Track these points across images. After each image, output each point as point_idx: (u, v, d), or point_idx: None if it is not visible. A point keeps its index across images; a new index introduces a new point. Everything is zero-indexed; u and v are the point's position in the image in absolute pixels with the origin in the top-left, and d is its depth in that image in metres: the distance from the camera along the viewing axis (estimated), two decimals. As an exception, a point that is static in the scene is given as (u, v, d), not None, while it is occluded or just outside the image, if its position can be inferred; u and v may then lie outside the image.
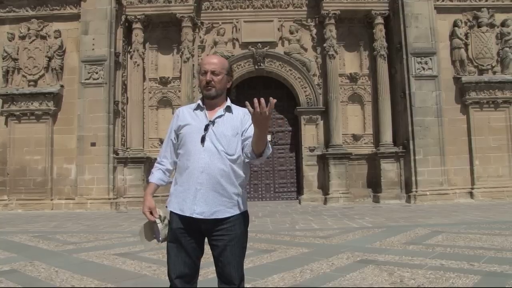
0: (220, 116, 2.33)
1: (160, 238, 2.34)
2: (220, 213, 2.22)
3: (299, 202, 13.83)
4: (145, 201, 2.38)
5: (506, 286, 3.69)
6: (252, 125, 2.14)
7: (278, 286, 3.89)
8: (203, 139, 2.24)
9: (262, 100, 1.99)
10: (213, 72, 2.34)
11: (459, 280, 3.85)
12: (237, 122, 2.34)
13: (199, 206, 2.20)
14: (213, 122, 2.30)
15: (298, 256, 5.22)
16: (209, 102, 2.38)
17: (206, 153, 2.22)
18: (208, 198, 2.21)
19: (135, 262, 5.03)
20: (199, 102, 2.41)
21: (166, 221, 2.35)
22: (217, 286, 2.28)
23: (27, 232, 7.98)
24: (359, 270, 4.35)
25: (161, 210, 2.38)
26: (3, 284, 4.12)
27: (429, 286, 3.72)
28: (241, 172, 2.31)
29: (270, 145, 2.27)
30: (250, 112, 2.05)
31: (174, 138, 2.40)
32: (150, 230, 2.39)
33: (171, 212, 2.31)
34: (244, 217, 2.33)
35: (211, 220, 2.21)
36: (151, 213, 2.34)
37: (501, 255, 4.92)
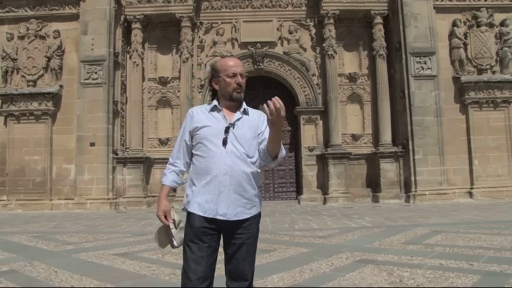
0: (239, 119, 2.35)
1: (175, 243, 2.33)
2: (241, 215, 2.26)
3: (299, 202, 13.83)
4: (159, 204, 2.35)
5: (505, 286, 3.69)
6: (268, 126, 2.23)
7: (278, 286, 3.89)
8: (225, 142, 2.25)
9: (277, 98, 2.08)
10: (241, 75, 2.36)
11: (459, 280, 3.85)
12: (254, 124, 2.37)
13: (222, 208, 2.23)
14: (233, 125, 2.31)
15: (297, 256, 5.22)
16: (227, 104, 2.38)
17: (229, 156, 2.23)
18: (231, 200, 2.24)
19: (135, 262, 5.02)
20: (215, 103, 2.39)
21: (182, 224, 2.34)
22: (225, 286, 2.29)
23: (27, 232, 7.97)
24: (359, 270, 4.35)
25: (176, 214, 2.37)
26: (2, 285, 4.12)
27: (429, 286, 3.72)
28: (259, 174, 2.35)
29: (283, 147, 2.33)
30: (266, 113, 2.11)
31: (189, 139, 2.38)
32: (165, 235, 2.37)
33: (190, 213, 2.29)
34: (259, 217, 2.39)
35: (233, 221, 2.25)
36: (165, 217, 2.34)
37: (500, 255, 4.92)
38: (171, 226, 2.32)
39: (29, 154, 13.22)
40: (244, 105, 2.42)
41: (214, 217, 2.22)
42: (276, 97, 2.10)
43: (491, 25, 13.96)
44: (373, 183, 13.93)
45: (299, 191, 14.57)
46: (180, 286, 2.25)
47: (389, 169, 13.51)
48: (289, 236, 6.94)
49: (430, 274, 4.10)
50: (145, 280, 4.22)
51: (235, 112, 2.38)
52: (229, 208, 2.23)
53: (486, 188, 13.11)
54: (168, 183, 2.40)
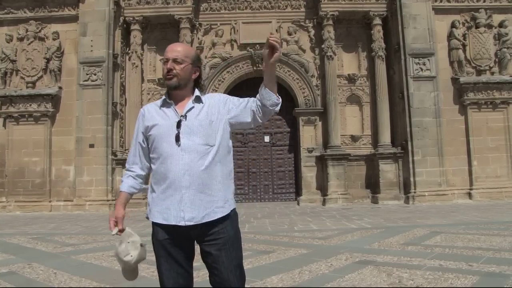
0: (191, 109, 2.14)
1: (124, 257, 2.09)
2: (211, 215, 2.04)
3: (298, 203, 13.83)
4: (115, 210, 2.19)
5: (505, 286, 3.69)
6: (238, 99, 2.21)
7: (277, 287, 3.89)
8: (177, 138, 2.04)
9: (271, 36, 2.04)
10: (175, 60, 2.15)
11: (458, 281, 3.85)
12: (215, 108, 2.17)
13: (188, 212, 2.01)
14: (185, 117, 2.10)
15: (297, 257, 5.22)
16: (175, 95, 2.19)
17: (185, 152, 2.03)
18: (195, 201, 2.02)
19: (134, 264, 5.01)
20: (165, 97, 2.21)
21: (135, 242, 2.10)
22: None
23: (26, 234, 7.96)
24: (358, 271, 4.35)
25: (133, 230, 2.15)
26: (1, 286, 4.12)
27: (428, 287, 3.72)
28: (223, 163, 2.13)
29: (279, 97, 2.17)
30: (275, 46, 2.03)
31: (143, 141, 2.19)
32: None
33: (154, 223, 2.11)
34: (234, 215, 2.16)
35: (201, 224, 2.03)
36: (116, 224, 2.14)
37: (500, 256, 4.92)
38: (114, 231, 2.11)
39: (28, 155, 13.21)
40: (197, 92, 2.21)
41: (178, 223, 2.00)
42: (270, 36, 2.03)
43: (489, 26, 13.98)
44: (372, 184, 13.93)
45: (298, 192, 14.57)
46: None
47: (388, 170, 13.51)
48: (289, 237, 6.95)
49: (429, 275, 4.10)
50: (144, 281, 4.22)
51: (187, 102, 2.18)
52: (195, 210, 2.01)
53: (485, 189, 13.11)
54: (124, 189, 2.21)
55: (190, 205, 2.02)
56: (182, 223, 2.01)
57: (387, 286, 3.79)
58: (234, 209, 2.18)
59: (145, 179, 2.27)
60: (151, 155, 2.17)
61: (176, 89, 2.18)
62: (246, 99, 2.24)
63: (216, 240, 2.06)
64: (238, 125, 2.24)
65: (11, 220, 10.88)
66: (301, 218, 9.81)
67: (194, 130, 2.07)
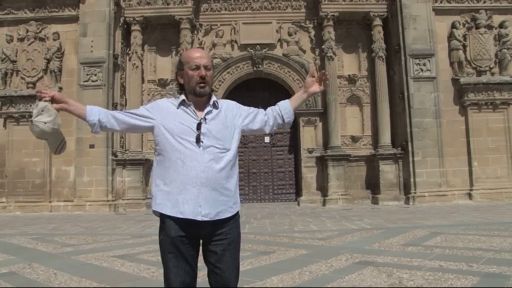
0: (209, 112, 2.21)
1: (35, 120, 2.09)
2: (223, 213, 2.13)
3: (298, 204, 13.83)
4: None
5: (505, 287, 3.69)
6: (248, 108, 2.35)
7: (277, 287, 3.90)
8: (198, 139, 2.11)
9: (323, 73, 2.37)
10: (205, 67, 2.19)
11: (458, 281, 3.85)
12: (229, 115, 2.26)
13: (204, 207, 2.08)
14: (204, 119, 2.17)
15: (297, 258, 5.22)
16: (196, 99, 2.22)
17: (205, 153, 2.10)
18: (210, 198, 2.09)
19: (134, 264, 5.02)
20: (183, 97, 2.23)
21: (52, 114, 2.13)
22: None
23: (26, 234, 7.96)
24: (358, 272, 4.35)
25: (49, 105, 2.15)
26: (1, 286, 4.12)
27: (428, 287, 3.72)
28: (236, 167, 2.24)
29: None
30: (322, 79, 2.38)
31: (141, 117, 2.24)
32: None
33: (165, 217, 2.13)
34: (238, 217, 2.25)
35: (214, 221, 2.10)
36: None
37: (500, 256, 4.92)
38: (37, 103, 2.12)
39: (28, 156, 13.21)
40: (214, 97, 2.27)
41: (195, 218, 2.06)
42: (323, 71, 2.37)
43: (490, 27, 14.00)
44: (373, 185, 13.93)
45: (298, 193, 14.57)
46: None
47: (388, 171, 13.51)
48: (289, 238, 6.94)
49: (429, 275, 4.09)
50: (144, 282, 4.22)
51: (204, 106, 2.22)
52: (211, 207, 2.09)
53: (485, 189, 13.11)
54: (89, 107, 2.22)
55: (206, 201, 2.08)
56: (198, 218, 2.07)
57: (387, 287, 3.79)
58: (238, 211, 2.25)
59: (99, 125, 2.24)
60: (162, 150, 2.17)
61: (204, 96, 2.22)
62: (255, 109, 2.39)
63: (223, 240, 2.13)
64: (247, 132, 2.37)
65: (11, 220, 10.88)
66: (301, 219, 9.81)
67: (213, 134, 2.15)
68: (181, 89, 2.30)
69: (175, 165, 2.12)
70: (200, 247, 2.18)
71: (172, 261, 2.09)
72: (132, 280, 4.31)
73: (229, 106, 2.31)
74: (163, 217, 2.14)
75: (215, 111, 2.23)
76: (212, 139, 2.14)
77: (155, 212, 2.19)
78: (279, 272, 4.40)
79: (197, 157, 2.09)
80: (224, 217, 2.13)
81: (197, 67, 2.18)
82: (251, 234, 7.45)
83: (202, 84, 2.18)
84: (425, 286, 3.75)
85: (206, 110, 2.21)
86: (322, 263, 4.81)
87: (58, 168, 13.31)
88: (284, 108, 2.37)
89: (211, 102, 2.24)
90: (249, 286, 3.85)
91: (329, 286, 3.88)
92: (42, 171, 13.16)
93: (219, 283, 2.11)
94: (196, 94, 2.20)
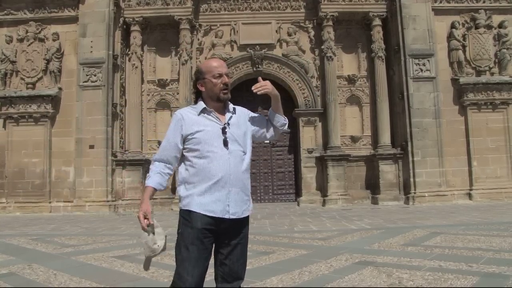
0: (231, 118, 2.40)
1: (157, 246, 2.25)
2: (246, 212, 2.34)
3: (298, 204, 13.83)
4: (142, 205, 2.29)
5: (504, 287, 3.69)
6: (257, 115, 2.55)
7: (277, 287, 3.90)
8: (226, 143, 2.28)
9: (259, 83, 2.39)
10: (227, 75, 2.40)
11: (458, 281, 3.85)
12: (244, 120, 2.45)
13: (233, 207, 2.26)
14: (228, 124, 2.35)
15: (296, 258, 5.22)
16: (215, 105, 2.39)
17: (231, 155, 2.28)
18: (238, 198, 2.28)
19: (134, 265, 5.02)
20: (204, 105, 2.38)
21: (159, 230, 2.28)
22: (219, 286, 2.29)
23: (25, 235, 7.96)
24: (358, 272, 4.35)
25: (155, 219, 2.31)
26: (1, 286, 4.12)
27: (428, 287, 3.72)
28: (249, 170, 2.42)
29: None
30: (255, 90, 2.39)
31: (181, 143, 2.34)
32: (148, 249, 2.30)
33: (191, 214, 2.24)
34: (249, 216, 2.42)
35: (239, 219, 2.29)
36: (145, 218, 2.27)
37: (499, 256, 4.92)
38: (148, 229, 2.26)
39: (28, 156, 13.21)
40: (231, 104, 2.47)
41: (224, 216, 2.23)
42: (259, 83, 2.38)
43: (489, 27, 14.00)
44: (372, 185, 13.93)
45: (298, 193, 14.57)
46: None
47: (388, 171, 13.52)
48: (288, 238, 6.95)
49: (429, 275, 4.10)
50: (144, 282, 4.22)
51: (223, 112, 2.42)
52: (238, 206, 2.28)
53: (485, 189, 13.12)
54: (153, 185, 2.32)
55: (234, 201, 2.27)
56: (226, 216, 2.24)
57: (387, 287, 3.79)
58: None
59: (163, 184, 2.38)
60: (191, 156, 2.31)
61: (224, 101, 2.41)
62: (263, 116, 2.58)
63: (237, 235, 2.31)
64: (257, 139, 2.55)
65: (11, 221, 10.88)
66: (301, 219, 9.81)
67: (236, 138, 2.34)
68: (197, 96, 2.47)
69: (206, 167, 2.26)
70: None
71: (194, 253, 2.19)
72: (132, 281, 4.31)
73: (243, 112, 2.51)
74: (188, 212, 2.26)
75: (234, 117, 2.42)
76: (235, 143, 2.33)
77: (186, 210, 2.27)
78: (279, 272, 4.40)
79: (226, 160, 2.27)
80: (245, 215, 2.34)
81: (220, 75, 2.36)
82: (251, 234, 7.39)
83: (225, 91, 2.39)
84: (425, 286, 3.75)
85: (228, 116, 2.40)
86: (322, 263, 4.81)
87: (57, 169, 13.30)
88: (271, 117, 2.54)
89: (230, 108, 2.44)
90: (249, 286, 3.85)
91: (329, 286, 3.89)
92: (41, 171, 13.16)
93: (226, 274, 2.27)
94: (219, 100, 2.38)
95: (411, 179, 13.15)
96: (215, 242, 2.29)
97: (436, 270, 4.29)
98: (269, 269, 4.63)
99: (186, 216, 2.26)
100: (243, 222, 2.33)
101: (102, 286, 4.11)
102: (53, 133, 13.41)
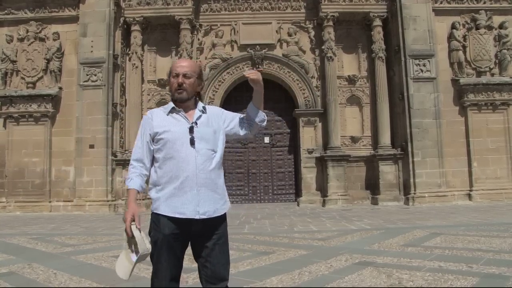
0: (200, 117, 2.38)
1: (140, 253, 2.16)
2: (218, 211, 2.30)
3: (298, 204, 13.83)
4: (129, 207, 2.29)
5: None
6: (231, 113, 2.51)
7: (277, 287, 3.90)
8: (192, 141, 2.27)
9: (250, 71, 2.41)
10: (184, 75, 2.36)
11: (458, 282, 3.85)
12: (215, 119, 2.43)
13: (202, 206, 2.23)
14: (196, 123, 2.34)
15: (296, 258, 5.22)
16: (183, 105, 2.39)
17: (198, 155, 2.26)
18: (208, 197, 2.26)
19: (134, 264, 5.01)
20: (173, 105, 2.40)
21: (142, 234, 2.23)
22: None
23: (26, 234, 7.96)
24: (358, 272, 4.35)
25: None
26: (1, 286, 4.12)
27: (427, 288, 3.73)
28: (222, 168, 2.41)
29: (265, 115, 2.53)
30: (250, 75, 2.39)
31: (150, 141, 2.35)
32: (130, 248, 2.22)
33: (160, 216, 2.25)
34: (225, 214, 2.39)
35: (205, 220, 2.24)
36: (134, 221, 2.25)
37: (499, 257, 4.92)
38: (136, 231, 2.20)
39: (28, 156, 13.21)
40: (201, 103, 2.47)
41: (194, 217, 2.21)
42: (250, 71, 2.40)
43: (490, 28, 13.99)
44: (372, 185, 13.93)
45: (298, 193, 14.57)
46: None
47: (388, 172, 13.51)
48: (288, 238, 6.95)
49: (429, 276, 4.10)
50: (144, 282, 4.22)
51: (193, 111, 2.41)
52: (209, 205, 2.25)
53: (485, 190, 13.11)
54: (136, 187, 2.34)
55: (204, 200, 2.25)
56: (197, 217, 2.22)
57: (386, 287, 3.79)
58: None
59: (143, 186, 2.40)
60: (159, 156, 2.32)
61: (185, 102, 2.39)
62: (238, 114, 2.56)
63: (213, 236, 2.27)
64: (231, 136, 2.53)
65: (11, 220, 10.88)
66: (301, 219, 9.81)
67: (204, 136, 2.32)
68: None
69: (173, 168, 2.26)
70: (189, 245, 2.33)
71: (164, 256, 2.22)
72: (131, 280, 4.30)
73: (215, 111, 2.50)
74: (157, 216, 2.28)
75: (204, 116, 2.40)
76: (204, 142, 2.30)
77: (153, 215, 2.31)
78: (279, 273, 4.40)
79: (193, 159, 2.25)
80: (218, 215, 2.29)
81: (177, 75, 2.37)
82: (250, 234, 7.45)
83: (180, 90, 2.36)
84: (425, 287, 3.75)
85: (196, 115, 2.39)
86: (322, 264, 4.81)
87: (57, 168, 13.30)
88: (251, 111, 2.50)
89: (200, 108, 2.43)
90: (248, 286, 3.86)
91: (329, 286, 3.89)
92: (41, 171, 13.16)
93: (209, 277, 2.24)
94: (174, 99, 2.40)
95: (411, 180, 13.15)
96: (193, 245, 2.30)
97: (436, 271, 4.30)
98: (269, 269, 4.63)
99: (156, 220, 2.28)
100: (217, 222, 2.30)
101: (102, 286, 4.12)
102: (53, 132, 13.41)
